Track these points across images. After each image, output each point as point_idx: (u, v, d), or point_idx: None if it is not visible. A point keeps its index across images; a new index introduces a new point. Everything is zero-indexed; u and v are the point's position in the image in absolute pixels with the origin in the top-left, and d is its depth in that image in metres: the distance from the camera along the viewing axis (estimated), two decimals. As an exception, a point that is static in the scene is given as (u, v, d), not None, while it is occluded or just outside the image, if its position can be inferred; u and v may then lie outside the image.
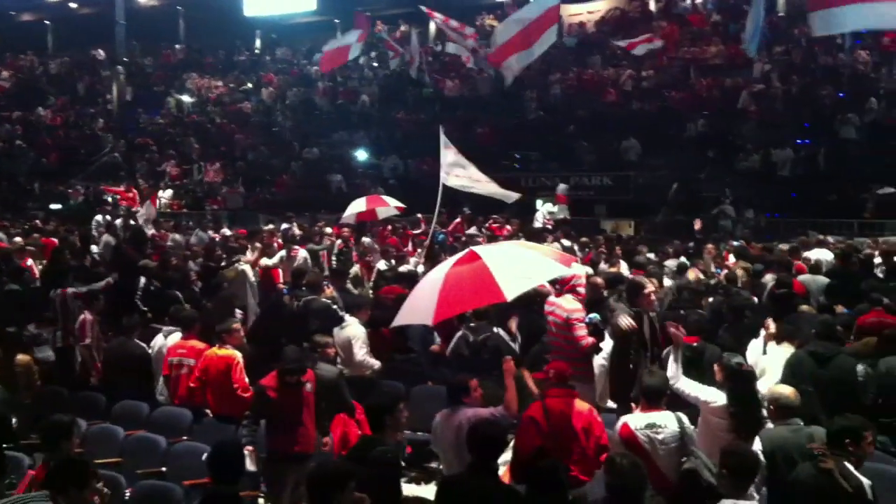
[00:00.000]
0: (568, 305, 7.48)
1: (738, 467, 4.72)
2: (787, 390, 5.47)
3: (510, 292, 5.34)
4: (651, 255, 13.03)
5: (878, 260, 12.12)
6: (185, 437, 7.27)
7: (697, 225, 13.73)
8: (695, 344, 7.08)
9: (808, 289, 10.01)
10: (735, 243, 14.17)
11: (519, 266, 5.61)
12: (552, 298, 7.70)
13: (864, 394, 6.54)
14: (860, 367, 6.66)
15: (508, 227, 15.89)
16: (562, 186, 17.11)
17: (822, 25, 11.89)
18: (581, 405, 5.77)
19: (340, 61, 24.88)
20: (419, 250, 14.74)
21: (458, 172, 13.67)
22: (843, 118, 19.13)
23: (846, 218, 16.62)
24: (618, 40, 25.33)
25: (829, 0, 11.23)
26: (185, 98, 31.76)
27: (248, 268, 11.66)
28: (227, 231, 16.06)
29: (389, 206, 15.15)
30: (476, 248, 6.01)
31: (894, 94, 19.74)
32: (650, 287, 7.69)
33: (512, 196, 13.06)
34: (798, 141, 19.74)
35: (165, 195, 24.76)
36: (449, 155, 12.53)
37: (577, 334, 7.32)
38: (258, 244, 12.77)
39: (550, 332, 7.57)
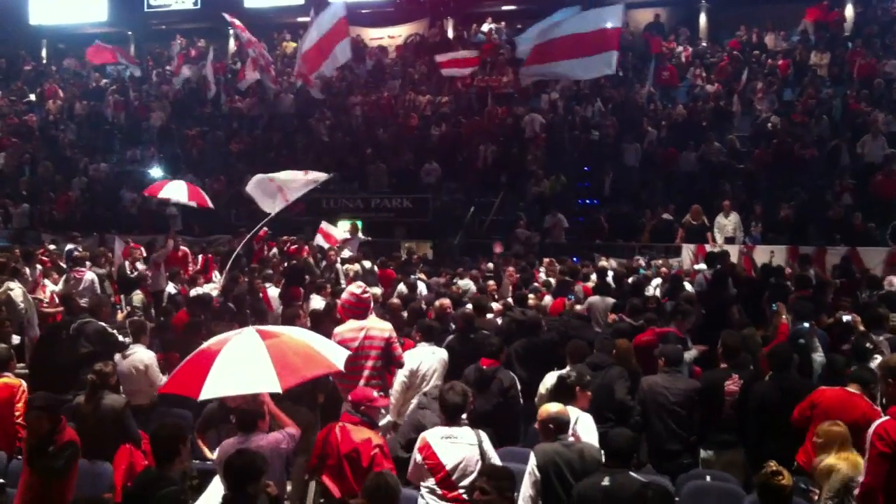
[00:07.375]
0: (383, 325, 7.56)
1: (497, 481, 4.97)
2: (557, 408, 5.74)
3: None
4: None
5: (657, 281, 13.09)
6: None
7: (498, 248, 14.10)
8: (485, 367, 7.36)
9: (597, 309, 10.74)
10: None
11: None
12: (363, 322, 7.56)
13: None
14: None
15: (307, 248, 15.76)
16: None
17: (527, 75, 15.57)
18: (365, 434, 5.87)
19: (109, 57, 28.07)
20: (215, 272, 14.41)
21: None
22: (625, 146, 20.39)
23: (626, 241, 17.73)
24: (419, 65, 26.05)
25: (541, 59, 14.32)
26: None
27: (18, 291, 10.83)
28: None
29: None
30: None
31: (672, 124, 21.12)
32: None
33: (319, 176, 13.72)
34: (585, 168, 20.88)
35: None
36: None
37: (396, 353, 7.44)
38: (38, 266, 12.03)
39: (367, 356, 7.33)
